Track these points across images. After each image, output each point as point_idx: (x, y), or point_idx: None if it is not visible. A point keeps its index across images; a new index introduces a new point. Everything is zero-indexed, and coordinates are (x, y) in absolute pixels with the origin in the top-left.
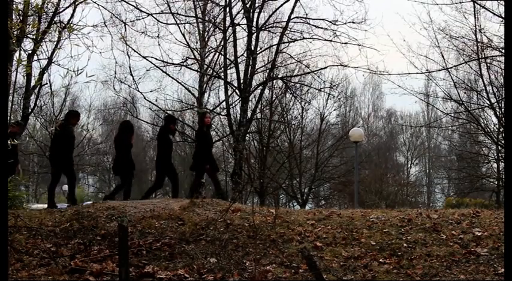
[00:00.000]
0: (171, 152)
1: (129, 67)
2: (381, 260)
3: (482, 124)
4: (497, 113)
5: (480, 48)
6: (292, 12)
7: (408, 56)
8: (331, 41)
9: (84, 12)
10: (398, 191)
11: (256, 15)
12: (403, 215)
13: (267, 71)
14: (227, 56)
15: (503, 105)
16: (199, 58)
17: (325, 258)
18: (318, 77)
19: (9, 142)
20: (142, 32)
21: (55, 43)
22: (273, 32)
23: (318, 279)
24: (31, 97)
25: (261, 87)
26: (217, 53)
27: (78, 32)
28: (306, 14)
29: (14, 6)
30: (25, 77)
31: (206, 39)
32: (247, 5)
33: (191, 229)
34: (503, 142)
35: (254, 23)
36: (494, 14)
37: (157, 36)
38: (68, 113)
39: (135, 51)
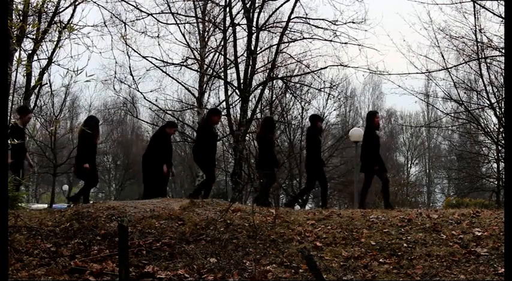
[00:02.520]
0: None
1: (129, 67)
2: (381, 260)
3: (482, 124)
4: (497, 113)
5: (480, 48)
6: (292, 12)
7: (408, 56)
8: (331, 41)
9: (84, 12)
10: (398, 191)
11: (256, 15)
12: (403, 215)
13: (267, 71)
14: (227, 56)
15: (503, 105)
16: (199, 58)
17: (325, 258)
18: (318, 77)
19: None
20: (142, 32)
21: (55, 43)
22: (273, 32)
23: (318, 279)
24: (31, 97)
25: (261, 87)
26: (217, 53)
27: (78, 32)
28: (306, 14)
29: (14, 6)
30: (25, 77)
31: (206, 39)
32: (247, 5)
33: (191, 229)
34: (503, 142)
35: (254, 23)
36: (494, 14)
37: (157, 36)
38: (209, 112)
39: (135, 51)
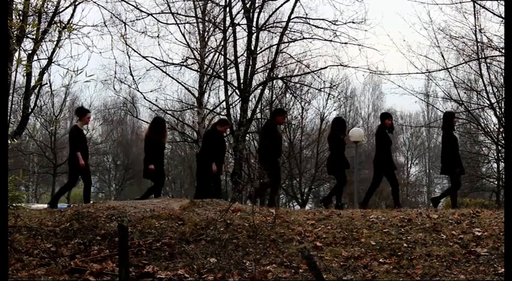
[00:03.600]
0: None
1: (129, 67)
2: (381, 260)
3: (482, 124)
4: (497, 113)
5: (480, 48)
6: (292, 12)
7: (408, 56)
8: (331, 41)
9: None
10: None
11: (256, 15)
12: (403, 215)
13: (267, 71)
14: (227, 56)
15: (503, 105)
16: (199, 58)
17: (325, 258)
18: (318, 77)
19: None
20: (142, 32)
21: (55, 43)
22: (273, 32)
23: (318, 279)
24: (31, 97)
25: (261, 87)
26: (217, 53)
27: (78, 32)
28: (306, 14)
29: (14, 6)
30: (25, 77)
31: (206, 39)
32: (247, 5)
33: (191, 229)
34: (503, 141)
35: (254, 23)
36: (494, 14)
37: (157, 36)
38: (274, 112)
39: (135, 51)
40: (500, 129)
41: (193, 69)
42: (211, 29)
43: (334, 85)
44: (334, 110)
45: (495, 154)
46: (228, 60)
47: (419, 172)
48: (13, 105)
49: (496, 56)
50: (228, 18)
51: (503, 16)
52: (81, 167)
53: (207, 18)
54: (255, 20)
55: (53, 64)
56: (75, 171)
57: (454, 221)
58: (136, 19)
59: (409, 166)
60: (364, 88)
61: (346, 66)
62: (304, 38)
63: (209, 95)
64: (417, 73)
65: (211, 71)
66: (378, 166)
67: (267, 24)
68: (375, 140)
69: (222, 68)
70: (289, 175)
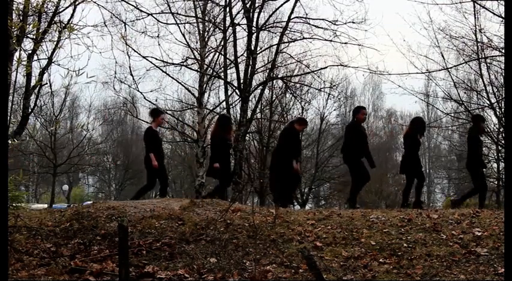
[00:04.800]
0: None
1: (129, 67)
2: (381, 260)
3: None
4: (497, 113)
5: (480, 48)
6: (292, 12)
7: (408, 56)
8: (331, 41)
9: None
10: (399, 191)
11: (256, 15)
12: (403, 215)
13: (267, 71)
14: (227, 56)
15: (503, 105)
16: (199, 58)
17: (325, 258)
18: (318, 77)
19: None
20: (143, 32)
21: (55, 43)
22: (273, 32)
23: (318, 279)
24: (31, 97)
25: (261, 87)
26: (217, 53)
27: (78, 32)
28: (306, 14)
29: (15, 6)
30: (25, 77)
31: (206, 39)
32: (247, 5)
33: (191, 229)
34: (503, 141)
35: (254, 23)
36: (494, 14)
37: (157, 36)
38: (356, 109)
39: (135, 51)
40: (500, 129)
41: (193, 69)
42: (211, 29)
43: (334, 85)
44: (334, 110)
45: (495, 154)
46: (228, 60)
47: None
48: (13, 106)
49: (496, 56)
50: (228, 18)
51: (503, 16)
52: (154, 168)
53: (207, 18)
54: (255, 20)
55: (53, 64)
56: (152, 172)
57: (454, 221)
58: (136, 19)
59: None
60: (364, 88)
61: (346, 66)
62: (304, 38)
63: (209, 95)
64: (417, 73)
65: (211, 71)
66: (470, 169)
67: (267, 24)
68: (467, 142)
69: (222, 68)
70: None
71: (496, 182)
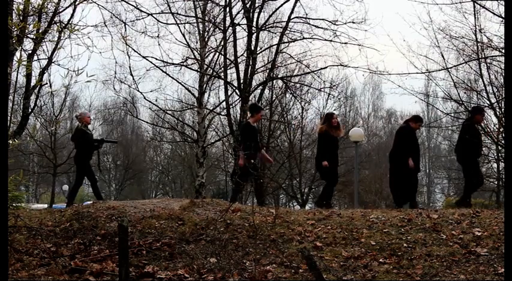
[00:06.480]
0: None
1: (129, 67)
2: (381, 260)
3: (482, 124)
4: (497, 113)
5: (480, 48)
6: (292, 12)
7: (408, 56)
8: (331, 41)
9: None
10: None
11: (256, 15)
12: (403, 215)
13: (267, 71)
14: (227, 56)
15: (503, 105)
16: (199, 58)
17: (325, 258)
18: (318, 77)
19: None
20: (143, 32)
21: (55, 43)
22: (273, 32)
23: (318, 279)
24: (31, 97)
25: (261, 87)
26: (217, 53)
27: (78, 32)
28: (306, 14)
29: (15, 6)
30: (25, 77)
31: (206, 39)
32: (247, 5)
33: (191, 229)
34: (503, 141)
35: (254, 23)
36: (494, 14)
37: (157, 36)
38: (473, 110)
39: (135, 51)
40: (500, 129)
41: (193, 69)
42: (211, 29)
43: (334, 85)
44: (334, 110)
45: (495, 154)
46: (228, 60)
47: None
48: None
49: (496, 56)
50: (228, 18)
51: (503, 16)
52: (239, 165)
53: (207, 18)
54: (255, 20)
55: (53, 64)
56: (245, 168)
57: (454, 221)
58: (136, 19)
59: None
60: (364, 88)
61: (346, 66)
62: (304, 38)
63: (209, 95)
64: (417, 73)
65: (211, 71)
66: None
67: (267, 24)
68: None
69: (222, 68)
70: (289, 175)
71: (496, 182)
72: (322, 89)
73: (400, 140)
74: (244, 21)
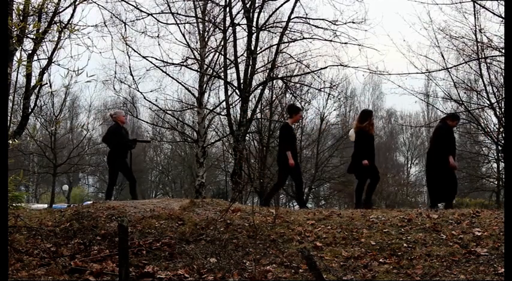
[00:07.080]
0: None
1: (129, 67)
2: (381, 260)
3: (482, 124)
4: (497, 113)
5: (480, 48)
6: (292, 12)
7: (408, 56)
8: (331, 41)
9: (84, 12)
10: (398, 191)
11: (256, 15)
12: (403, 215)
13: (267, 71)
14: (227, 56)
15: (503, 105)
16: (199, 58)
17: (325, 258)
18: (318, 77)
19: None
20: (143, 32)
21: (55, 43)
22: (273, 32)
23: (318, 279)
24: (31, 97)
25: (261, 87)
26: (217, 53)
27: (78, 32)
28: (306, 14)
29: (15, 6)
30: (25, 77)
31: (206, 39)
32: (247, 5)
33: (191, 229)
34: (503, 141)
35: (254, 23)
36: (494, 14)
37: (157, 36)
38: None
39: (135, 51)
40: (500, 130)
41: (193, 69)
42: (211, 29)
43: (334, 85)
44: (334, 110)
45: (495, 154)
46: (228, 60)
47: (419, 171)
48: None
49: (496, 56)
50: (228, 18)
51: (503, 16)
52: (290, 166)
53: (207, 18)
54: (255, 20)
55: (53, 64)
56: (285, 169)
57: (454, 221)
58: (136, 19)
59: (409, 166)
60: (364, 88)
61: (346, 66)
62: (304, 38)
63: (209, 95)
64: (417, 73)
65: (211, 71)
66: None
67: (267, 24)
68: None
69: (222, 68)
70: None
71: (496, 182)
72: (322, 89)
73: (439, 139)
74: (244, 21)
